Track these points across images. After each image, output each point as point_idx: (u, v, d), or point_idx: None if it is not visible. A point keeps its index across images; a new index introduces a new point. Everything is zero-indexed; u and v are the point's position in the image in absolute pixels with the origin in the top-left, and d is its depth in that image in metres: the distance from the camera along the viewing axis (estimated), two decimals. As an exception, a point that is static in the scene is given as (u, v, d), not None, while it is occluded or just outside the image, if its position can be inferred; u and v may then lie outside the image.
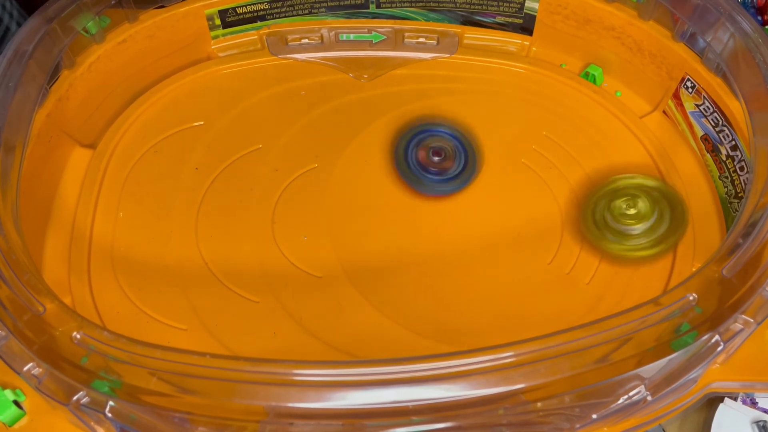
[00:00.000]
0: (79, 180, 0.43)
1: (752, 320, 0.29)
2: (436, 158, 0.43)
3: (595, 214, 0.40)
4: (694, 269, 0.38)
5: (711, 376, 0.32)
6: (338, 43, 0.50)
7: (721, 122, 0.42)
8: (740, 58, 0.39)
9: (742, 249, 0.31)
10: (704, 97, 0.43)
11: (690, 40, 0.44)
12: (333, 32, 0.50)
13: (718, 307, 0.29)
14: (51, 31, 0.41)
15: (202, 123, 0.46)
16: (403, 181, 0.43)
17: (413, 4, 0.50)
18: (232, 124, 0.46)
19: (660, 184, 0.41)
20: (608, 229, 0.39)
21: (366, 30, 0.50)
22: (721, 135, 0.42)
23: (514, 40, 0.50)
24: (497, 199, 0.43)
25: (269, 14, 0.50)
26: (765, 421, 0.33)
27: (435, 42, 0.50)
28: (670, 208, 0.40)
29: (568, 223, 0.41)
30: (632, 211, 0.39)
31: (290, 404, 0.26)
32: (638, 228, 0.39)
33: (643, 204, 0.39)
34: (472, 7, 0.50)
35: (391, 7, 0.50)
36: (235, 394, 0.27)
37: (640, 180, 0.41)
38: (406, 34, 0.50)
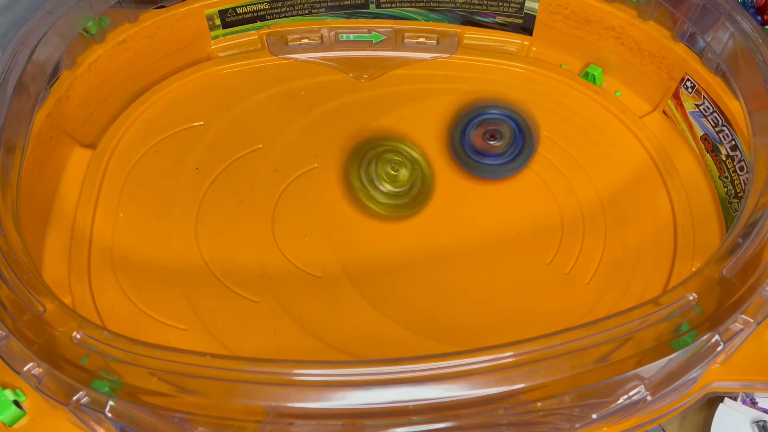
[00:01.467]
0: (79, 180, 0.43)
1: (752, 320, 0.29)
2: (492, 141, 0.43)
3: (366, 163, 0.42)
4: (694, 269, 0.38)
5: (711, 376, 0.32)
6: (338, 43, 0.50)
7: (720, 122, 0.42)
8: (740, 58, 0.39)
9: (742, 249, 0.31)
10: (704, 97, 0.43)
11: (690, 40, 0.44)
12: (333, 32, 0.50)
13: (718, 307, 0.29)
14: (51, 31, 0.41)
15: (202, 123, 0.46)
16: (462, 168, 0.43)
17: (413, 4, 0.50)
18: (232, 124, 0.46)
19: (422, 160, 0.43)
20: (368, 179, 0.42)
21: (366, 30, 0.50)
22: (720, 135, 0.42)
23: (514, 40, 0.50)
24: (497, 199, 0.43)
25: (269, 14, 0.50)
26: (765, 421, 0.33)
27: (435, 42, 0.50)
28: (422, 182, 0.42)
29: (568, 223, 0.42)
30: (393, 173, 0.42)
31: (290, 404, 0.26)
32: (390, 189, 0.42)
33: (404, 173, 0.42)
34: (472, 7, 0.50)
35: (391, 7, 0.50)
36: (235, 394, 0.27)
37: (407, 147, 0.43)
38: (406, 34, 0.50)
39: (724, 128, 0.42)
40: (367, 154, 0.42)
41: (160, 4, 0.47)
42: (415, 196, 0.42)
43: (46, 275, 0.39)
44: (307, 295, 0.39)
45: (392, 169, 0.41)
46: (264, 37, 0.50)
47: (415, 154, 0.43)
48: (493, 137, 0.43)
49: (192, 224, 0.42)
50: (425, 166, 0.43)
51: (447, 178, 0.44)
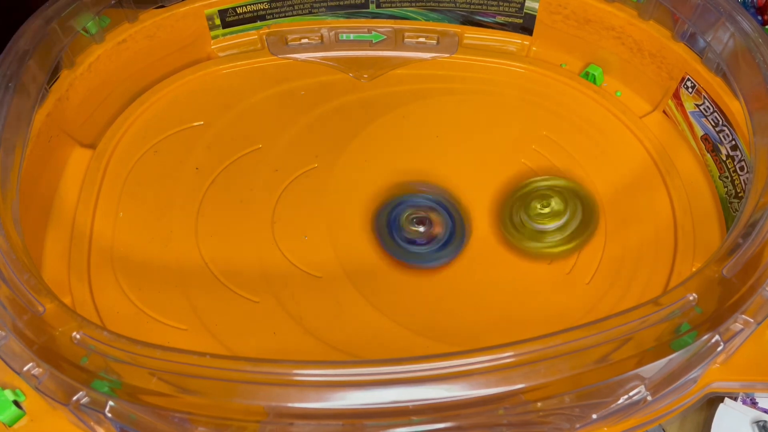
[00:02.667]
0: (79, 180, 0.43)
1: (752, 320, 0.29)
2: (421, 228, 0.40)
3: (512, 217, 0.41)
4: (694, 269, 0.38)
5: (711, 376, 0.32)
6: (338, 43, 0.50)
7: (721, 122, 0.42)
8: (740, 58, 0.39)
9: (742, 249, 0.31)
10: (704, 97, 0.43)
11: (690, 40, 0.44)
12: (333, 32, 0.50)
13: (718, 307, 0.29)
14: (51, 31, 0.41)
15: (202, 123, 0.46)
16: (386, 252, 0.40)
17: (413, 4, 0.50)
18: (232, 124, 0.46)
19: (569, 184, 0.42)
20: (525, 229, 0.40)
21: (366, 30, 0.50)
22: (721, 135, 0.42)
23: (514, 40, 0.50)
24: (497, 199, 0.43)
25: (269, 14, 0.50)
26: (765, 421, 0.33)
27: (435, 42, 0.50)
28: (581, 205, 0.41)
29: (568, 223, 0.42)
30: (546, 210, 0.40)
31: (290, 404, 0.26)
32: (552, 225, 0.40)
33: (555, 203, 0.40)
34: (472, 6, 0.50)
35: (391, 7, 0.50)
36: (235, 394, 0.27)
37: (551, 182, 0.42)
38: (406, 34, 0.50)
39: (725, 128, 0.42)
40: (513, 207, 0.41)
41: (160, 4, 0.47)
42: (581, 218, 0.40)
43: (46, 275, 0.39)
44: (307, 295, 0.39)
45: (542, 206, 0.40)
46: (264, 36, 0.50)
47: (556, 183, 0.42)
48: (421, 223, 0.40)
49: (192, 224, 0.42)
50: (573, 186, 0.41)
51: (447, 178, 0.44)
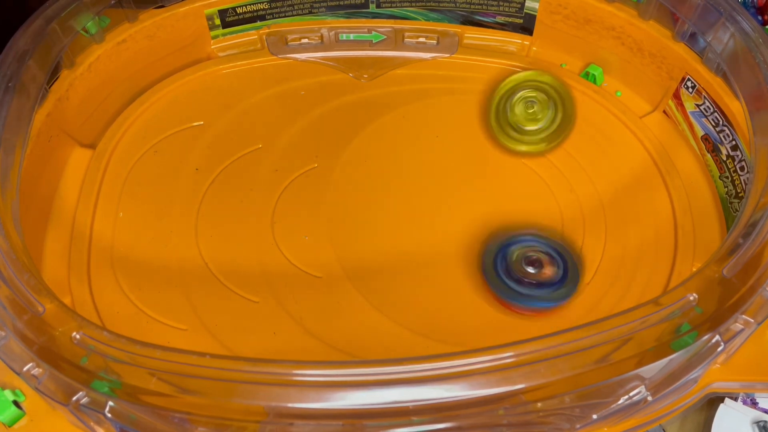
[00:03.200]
0: (79, 180, 0.43)
1: (752, 320, 0.29)
2: (531, 268, 0.37)
3: (498, 114, 0.44)
4: (694, 269, 0.38)
5: (711, 376, 0.32)
6: (338, 43, 0.50)
7: (721, 122, 0.42)
8: (740, 58, 0.39)
9: (743, 249, 0.31)
10: (704, 97, 0.43)
11: (690, 40, 0.44)
12: (333, 32, 0.50)
13: (718, 307, 0.29)
14: (51, 31, 0.41)
15: (202, 123, 0.46)
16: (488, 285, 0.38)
17: (413, 4, 0.50)
18: (232, 124, 0.46)
19: (553, 80, 0.44)
20: (509, 125, 0.44)
21: (366, 30, 0.50)
22: (721, 135, 0.42)
23: (514, 40, 0.50)
24: (497, 199, 0.43)
25: (269, 14, 0.50)
26: (765, 422, 0.33)
27: (435, 42, 0.50)
28: (563, 107, 0.44)
29: (568, 223, 0.41)
30: (530, 111, 0.44)
31: (290, 404, 0.26)
32: (534, 127, 0.44)
33: (539, 107, 0.44)
34: (472, 6, 0.50)
35: (391, 7, 0.50)
36: (235, 394, 0.27)
37: (535, 75, 0.45)
38: (406, 34, 0.50)
39: (725, 128, 0.42)
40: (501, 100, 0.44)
41: (160, 4, 0.47)
42: (559, 123, 0.44)
43: (46, 275, 0.39)
44: (307, 295, 0.39)
45: (527, 107, 0.43)
46: (264, 36, 0.50)
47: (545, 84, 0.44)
48: (532, 264, 0.38)
49: (192, 224, 0.42)
50: (556, 90, 0.44)
51: (448, 178, 0.44)
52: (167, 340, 0.37)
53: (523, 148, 0.44)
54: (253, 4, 0.49)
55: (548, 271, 0.37)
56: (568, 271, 0.38)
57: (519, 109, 0.43)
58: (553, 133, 0.44)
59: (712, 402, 0.34)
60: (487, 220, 0.42)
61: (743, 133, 0.40)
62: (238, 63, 0.49)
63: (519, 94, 0.44)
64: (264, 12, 0.50)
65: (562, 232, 0.41)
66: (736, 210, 0.40)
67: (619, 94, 0.48)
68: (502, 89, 0.45)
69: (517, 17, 0.50)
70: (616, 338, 0.28)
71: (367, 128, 0.46)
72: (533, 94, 0.43)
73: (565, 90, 0.43)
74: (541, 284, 0.37)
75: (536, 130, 0.44)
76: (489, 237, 0.40)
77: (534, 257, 0.38)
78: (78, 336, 0.29)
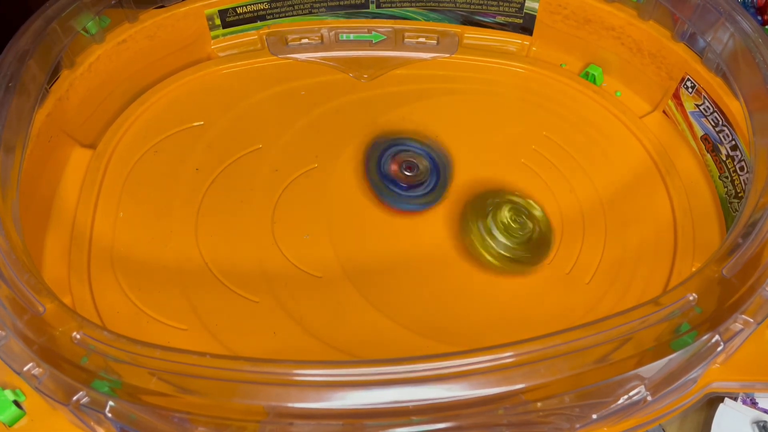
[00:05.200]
0: (79, 180, 0.43)
1: (752, 320, 0.29)
2: (408, 173, 0.42)
3: (486, 212, 0.41)
4: (694, 269, 0.38)
5: (711, 376, 0.32)
6: (338, 43, 0.50)
7: (721, 122, 0.42)
8: (740, 58, 0.39)
9: (742, 249, 0.31)
10: (704, 97, 0.43)
11: (690, 40, 0.44)
12: (333, 32, 0.50)
13: (718, 307, 0.29)
14: (51, 31, 0.41)
15: (202, 123, 0.46)
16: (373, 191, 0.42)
17: (413, 4, 0.50)
18: (232, 124, 0.46)
19: (543, 217, 0.41)
20: (484, 225, 0.41)
21: (366, 30, 0.50)
22: (721, 135, 0.42)
23: (514, 40, 0.50)
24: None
25: (269, 14, 0.50)
26: (765, 422, 0.33)
27: (435, 42, 0.50)
28: (539, 244, 0.40)
29: (568, 223, 0.42)
30: (515, 225, 0.41)
31: (290, 404, 0.26)
32: (507, 240, 0.40)
33: (527, 226, 0.41)
34: (472, 6, 0.50)
35: (391, 7, 0.50)
36: (235, 394, 0.27)
37: (533, 205, 0.42)
38: (406, 34, 0.50)
39: (725, 128, 0.42)
40: (486, 206, 0.41)
41: (160, 4, 0.47)
42: (533, 248, 0.40)
43: (46, 275, 0.39)
44: (307, 295, 0.39)
45: (513, 222, 0.40)
46: (264, 37, 0.50)
47: (534, 211, 0.42)
48: (409, 169, 0.43)
49: (192, 224, 0.42)
50: (543, 222, 0.41)
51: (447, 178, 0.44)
52: (167, 340, 0.37)
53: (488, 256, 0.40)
54: (253, 4, 0.49)
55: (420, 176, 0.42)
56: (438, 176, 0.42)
57: (505, 218, 0.41)
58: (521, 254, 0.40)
59: (712, 402, 0.34)
60: (487, 220, 0.42)
61: (743, 133, 0.40)
62: (238, 63, 0.49)
63: (505, 211, 0.41)
64: (264, 12, 0.50)
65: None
66: (736, 210, 0.40)
67: (618, 94, 0.48)
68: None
69: (517, 17, 0.50)
70: (616, 338, 0.28)
71: (367, 128, 0.46)
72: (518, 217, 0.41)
73: (548, 227, 0.41)
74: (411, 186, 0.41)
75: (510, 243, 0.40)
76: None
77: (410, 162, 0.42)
78: (78, 336, 0.29)
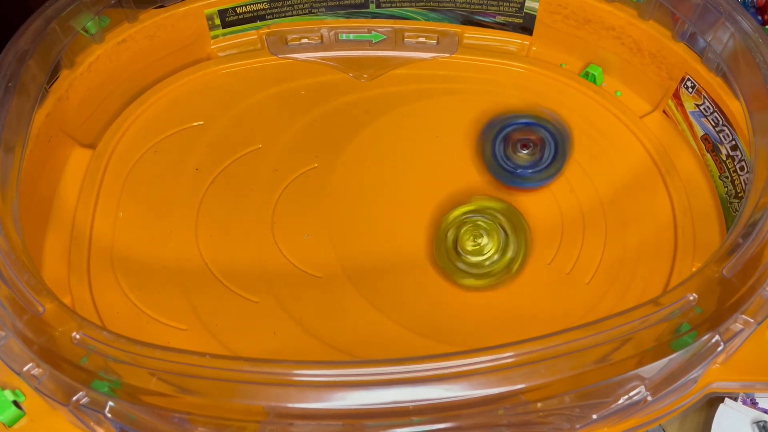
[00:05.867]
0: (79, 180, 0.43)
1: (752, 320, 0.29)
2: (524, 151, 0.42)
3: (446, 243, 0.40)
4: (694, 269, 0.38)
5: (711, 376, 0.32)
6: (338, 43, 0.50)
7: (721, 122, 0.42)
8: (740, 58, 0.39)
9: (742, 249, 0.31)
10: (704, 97, 0.43)
11: (690, 40, 0.44)
12: (333, 32, 0.50)
13: (718, 307, 0.29)
14: (51, 31, 0.41)
15: (202, 123, 0.46)
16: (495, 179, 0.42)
17: (413, 4, 0.50)
18: (232, 124, 0.46)
19: (504, 207, 0.40)
20: (457, 256, 0.39)
21: (366, 30, 0.50)
22: (721, 135, 0.42)
23: (514, 40, 0.50)
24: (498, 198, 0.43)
25: (269, 14, 0.50)
26: (765, 422, 0.33)
27: (435, 42, 0.50)
28: (514, 233, 0.40)
29: (568, 223, 0.42)
30: (476, 246, 0.39)
31: (290, 404, 0.26)
32: (479, 258, 0.39)
33: (488, 239, 0.39)
34: (472, 6, 0.50)
35: (391, 7, 0.50)
36: (235, 394, 0.27)
37: (486, 203, 0.41)
38: (406, 33, 0.50)
39: (725, 128, 0.42)
40: (448, 232, 0.40)
41: (160, 4, 0.47)
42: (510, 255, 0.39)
43: (46, 275, 0.39)
44: (307, 295, 0.39)
45: (475, 238, 0.39)
46: (264, 36, 0.50)
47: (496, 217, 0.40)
48: (525, 146, 0.42)
49: (192, 224, 0.42)
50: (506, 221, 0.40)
51: (447, 179, 0.44)
52: (167, 340, 0.37)
53: (469, 281, 0.39)
54: (253, 4, 0.49)
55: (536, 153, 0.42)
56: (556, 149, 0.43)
57: (467, 242, 0.39)
58: (504, 266, 0.39)
59: (712, 402, 0.34)
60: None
61: (743, 133, 0.40)
62: (238, 63, 0.49)
63: (465, 228, 0.39)
64: (264, 12, 0.50)
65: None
66: (736, 210, 0.40)
67: (618, 94, 0.48)
68: (447, 222, 0.40)
69: (517, 17, 0.50)
70: (616, 338, 0.28)
71: (367, 128, 0.46)
72: (481, 223, 0.39)
73: (516, 216, 0.40)
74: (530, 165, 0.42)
75: (483, 262, 0.39)
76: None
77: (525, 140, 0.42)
78: (78, 336, 0.29)
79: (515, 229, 0.40)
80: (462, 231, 0.39)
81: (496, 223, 0.40)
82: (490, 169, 0.43)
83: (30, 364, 0.28)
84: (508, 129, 0.43)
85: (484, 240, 0.39)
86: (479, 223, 0.39)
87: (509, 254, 0.39)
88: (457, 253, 0.39)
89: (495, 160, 0.43)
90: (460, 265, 0.39)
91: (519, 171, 0.42)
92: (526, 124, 0.43)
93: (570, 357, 0.27)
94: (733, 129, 0.41)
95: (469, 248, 0.39)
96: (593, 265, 0.40)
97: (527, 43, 0.50)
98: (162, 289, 0.39)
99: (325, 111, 0.47)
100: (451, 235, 0.40)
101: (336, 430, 0.27)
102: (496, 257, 0.39)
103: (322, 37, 0.50)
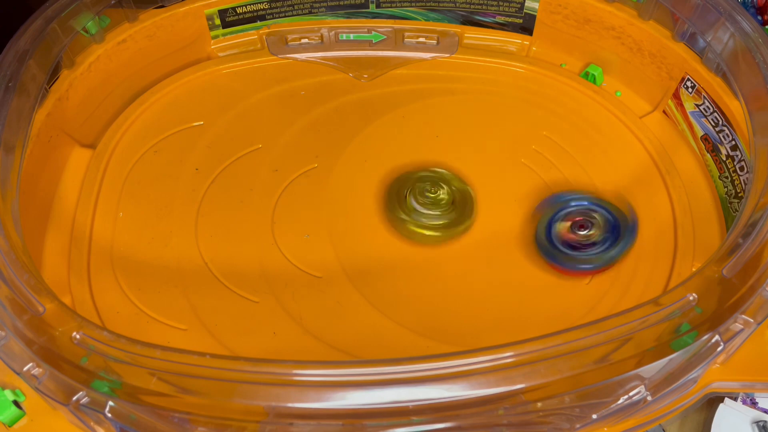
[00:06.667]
0: (79, 180, 0.43)
1: (752, 320, 0.29)
2: (581, 232, 0.39)
3: (399, 193, 0.42)
4: (694, 269, 0.38)
5: (711, 376, 0.32)
6: (338, 43, 0.50)
7: (721, 122, 0.42)
8: (740, 58, 0.39)
9: (742, 249, 0.31)
10: (704, 97, 0.43)
11: (690, 40, 0.44)
12: (333, 32, 0.50)
13: (718, 307, 0.29)
14: (51, 31, 0.41)
15: (202, 123, 0.46)
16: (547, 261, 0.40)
17: (413, 4, 0.50)
18: (232, 124, 0.46)
19: (461, 185, 0.42)
20: (405, 206, 0.41)
21: (366, 30, 0.50)
22: (721, 135, 0.42)
23: (514, 40, 0.50)
24: (497, 199, 0.43)
25: (269, 14, 0.50)
26: (765, 421, 0.33)
27: (435, 42, 0.50)
28: (463, 203, 0.41)
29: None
30: (431, 197, 0.41)
31: (290, 404, 0.26)
32: (431, 212, 0.41)
33: (443, 194, 0.41)
34: (472, 6, 0.50)
35: (391, 7, 0.50)
36: (235, 394, 0.27)
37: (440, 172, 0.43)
38: (406, 34, 0.50)
39: (725, 128, 0.42)
40: (401, 189, 0.42)
41: (160, 4, 0.47)
42: (461, 210, 0.41)
43: (46, 275, 0.39)
44: (307, 295, 0.39)
45: (430, 193, 0.41)
46: (264, 36, 0.50)
47: (444, 173, 0.42)
48: (582, 227, 0.39)
49: (192, 224, 0.42)
50: (457, 180, 0.42)
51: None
52: (167, 340, 0.37)
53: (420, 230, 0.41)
54: (253, 4, 0.49)
55: (595, 233, 0.39)
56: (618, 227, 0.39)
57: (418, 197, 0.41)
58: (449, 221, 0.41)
59: (712, 402, 0.34)
60: (488, 219, 0.42)
61: (743, 133, 0.40)
62: (238, 63, 0.49)
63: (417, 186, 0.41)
64: (264, 12, 0.50)
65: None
66: (736, 210, 0.40)
67: (618, 94, 0.48)
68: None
69: (516, 17, 0.50)
70: (616, 338, 0.28)
71: (367, 128, 0.46)
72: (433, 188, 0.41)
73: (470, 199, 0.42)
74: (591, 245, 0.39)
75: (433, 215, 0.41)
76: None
77: (581, 221, 0.39)
78: (78, 336, 0.29)
79: (465, 203, 0.41)
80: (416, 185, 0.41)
81: (450, 189, 0.41)
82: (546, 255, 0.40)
83: (30, 364, 0.28)
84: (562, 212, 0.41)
85: (438, 193, 0.41)
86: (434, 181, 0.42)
87: (455, 215, 0.41)
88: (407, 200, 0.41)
89: (551, 244, 0.39)
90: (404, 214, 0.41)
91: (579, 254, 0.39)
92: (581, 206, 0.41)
93: (570, 357, 0.27)
94: (733, 129, 0.41)
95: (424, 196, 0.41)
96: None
97: (527, 43, 0.50)
98: (162, 289, 0.39)
99: (325, 111, 0.47)
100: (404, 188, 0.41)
101: (336, 430, 0.27)
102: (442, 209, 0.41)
103: (322, 37, 0.50)
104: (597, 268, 0.39)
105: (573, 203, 0.41)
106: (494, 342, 0.27)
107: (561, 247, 0.39)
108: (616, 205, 0.40)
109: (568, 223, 0.40)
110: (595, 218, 0.40)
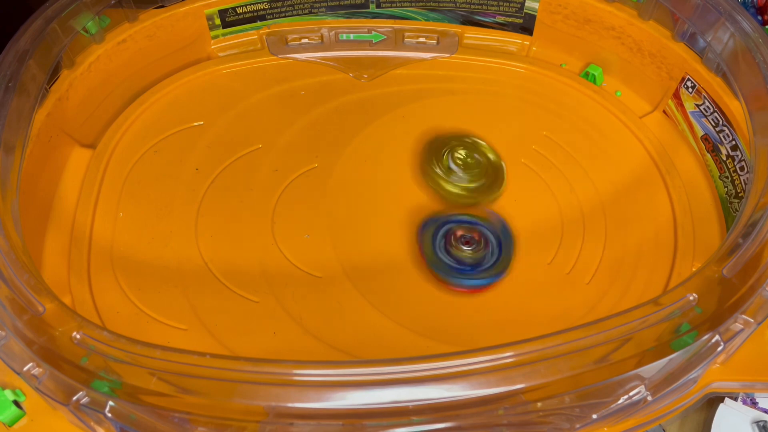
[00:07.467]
0: (79, 180, 0.43)
1: (752, 320, 0.29)
2: (466, 248, 0.40)
3: (442, 154, 0.44)
4: (694, 269, 0.38)
5: (711, 376, 0.32)
6: (338, 43, 0.50)
7: (721, 122, 0.42)
8: (740, 58, 0.39)
9: (742, 249, 0.31)
10: (704, 97, 0.43)
11: (690, 40, 0.44)
12: (333, 32, 0.50)
13: (718, 307, 0.29)
14: (51, 31, 0.41)
15: (202, 123, 0.46)
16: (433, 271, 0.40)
17: (413, 4, 0.50)
18: (232, 124, 0.46)
19: (489, 148, 0.44)
20: (441, 164, 0.43)
21: (366, 30, 0.50)
22: (721, 135, 0.42)
23: (514, 40, 0.50)
24: (497, 198, 0.43)
25: (269, 14, 0.50)
26: (765, 421, 0.33)
27: (435, 42, 0.50)
28: (492, 177, 0.43)
29: (568, 223, 0.42)
30: (466, 162, 0.43)
31: (290, 404, 0.26)
32: (462, 175, 0.43)
33: (475, 164, 0.43)
34: (472, 6, 0.50)
35: (391, 7, 0.50)
36: (235, 394, 0.27)
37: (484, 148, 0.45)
38: (406, 33, 0.50)
39: (725, 128, 0.42)
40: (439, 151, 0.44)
41: (160, 4, 0.47)
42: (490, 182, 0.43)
43: (46, 275, 0.39)
44: (307, 295, 0.39)
45: (466, 157, 0.43)
46: (264, 36, 0.50)
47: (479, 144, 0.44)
48: (467, 243, 0.40)
49: (192, 224, 0.42)
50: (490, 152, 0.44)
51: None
52: (167, 340, 0.37)
53: (450, 187, 0.43)
54: (253, 4, 0.49)
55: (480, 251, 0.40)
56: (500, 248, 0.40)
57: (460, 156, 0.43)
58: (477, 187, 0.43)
59: (712, 402, 0.34)
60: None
61: (743, 133, 0.40)
62: (238, 63, 0.49)
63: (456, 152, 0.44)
64: (264, 12, 0.50)
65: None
66: (736, 210, 0.40)
67: (618, 94, 0.48)
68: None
69: (517, 17, 0.50)
70: (616, 338, 0.28)
71: (367, 128, 0.46)
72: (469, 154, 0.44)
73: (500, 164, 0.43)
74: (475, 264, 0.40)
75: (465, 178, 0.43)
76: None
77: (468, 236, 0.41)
78: (78, 336, 0.29)
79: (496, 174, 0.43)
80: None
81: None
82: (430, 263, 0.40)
83: (30, 364, 0.28)
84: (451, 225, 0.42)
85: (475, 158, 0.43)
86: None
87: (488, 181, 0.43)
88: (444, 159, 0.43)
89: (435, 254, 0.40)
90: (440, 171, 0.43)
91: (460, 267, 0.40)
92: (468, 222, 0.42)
93: (570, 357, 0.27)
94: (733, 129, 0.41)
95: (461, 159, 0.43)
96: (593, 265, 0.40)
97: (527, 43, 0.50)
98: (162, 289, 0.39)
99: (325, 111, 0.47)
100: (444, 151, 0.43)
101: (336, 430, 0.27)
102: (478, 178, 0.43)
103: (322, 37, 0.50)
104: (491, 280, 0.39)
105: (451, 221, 0.42)
106: (494, 342, 0.27)
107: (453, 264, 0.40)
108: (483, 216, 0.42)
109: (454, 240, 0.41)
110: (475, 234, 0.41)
